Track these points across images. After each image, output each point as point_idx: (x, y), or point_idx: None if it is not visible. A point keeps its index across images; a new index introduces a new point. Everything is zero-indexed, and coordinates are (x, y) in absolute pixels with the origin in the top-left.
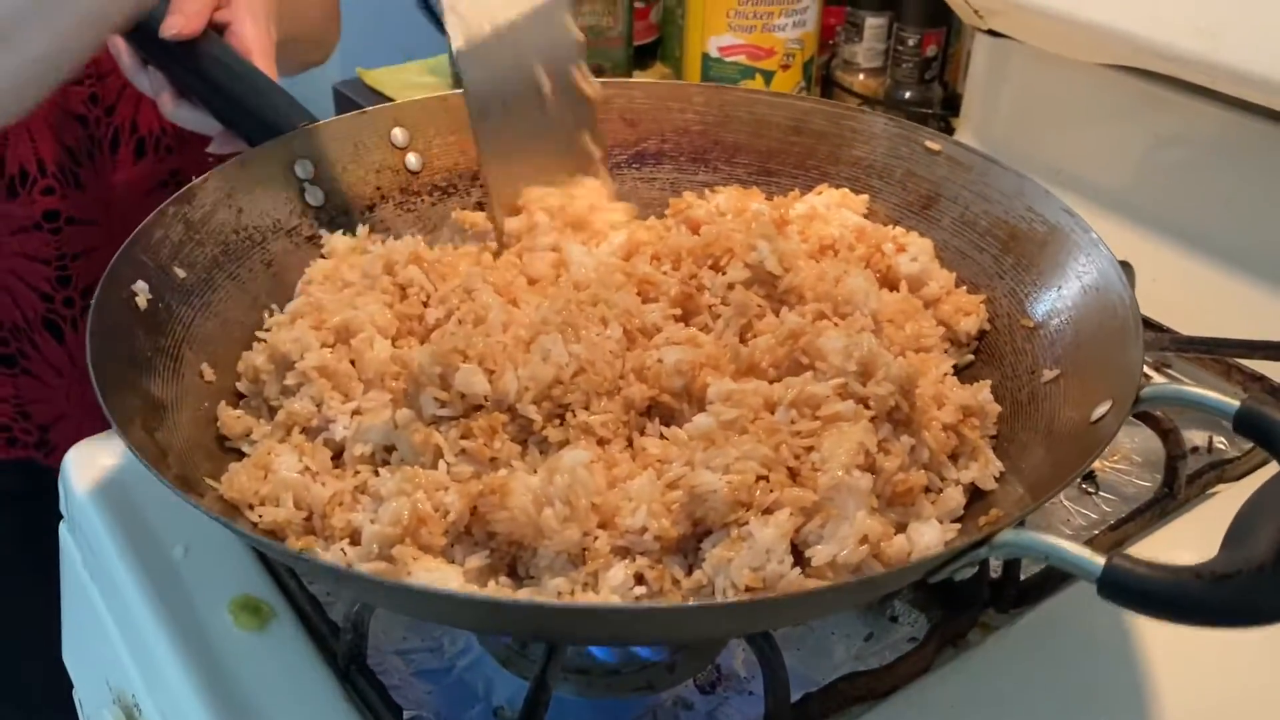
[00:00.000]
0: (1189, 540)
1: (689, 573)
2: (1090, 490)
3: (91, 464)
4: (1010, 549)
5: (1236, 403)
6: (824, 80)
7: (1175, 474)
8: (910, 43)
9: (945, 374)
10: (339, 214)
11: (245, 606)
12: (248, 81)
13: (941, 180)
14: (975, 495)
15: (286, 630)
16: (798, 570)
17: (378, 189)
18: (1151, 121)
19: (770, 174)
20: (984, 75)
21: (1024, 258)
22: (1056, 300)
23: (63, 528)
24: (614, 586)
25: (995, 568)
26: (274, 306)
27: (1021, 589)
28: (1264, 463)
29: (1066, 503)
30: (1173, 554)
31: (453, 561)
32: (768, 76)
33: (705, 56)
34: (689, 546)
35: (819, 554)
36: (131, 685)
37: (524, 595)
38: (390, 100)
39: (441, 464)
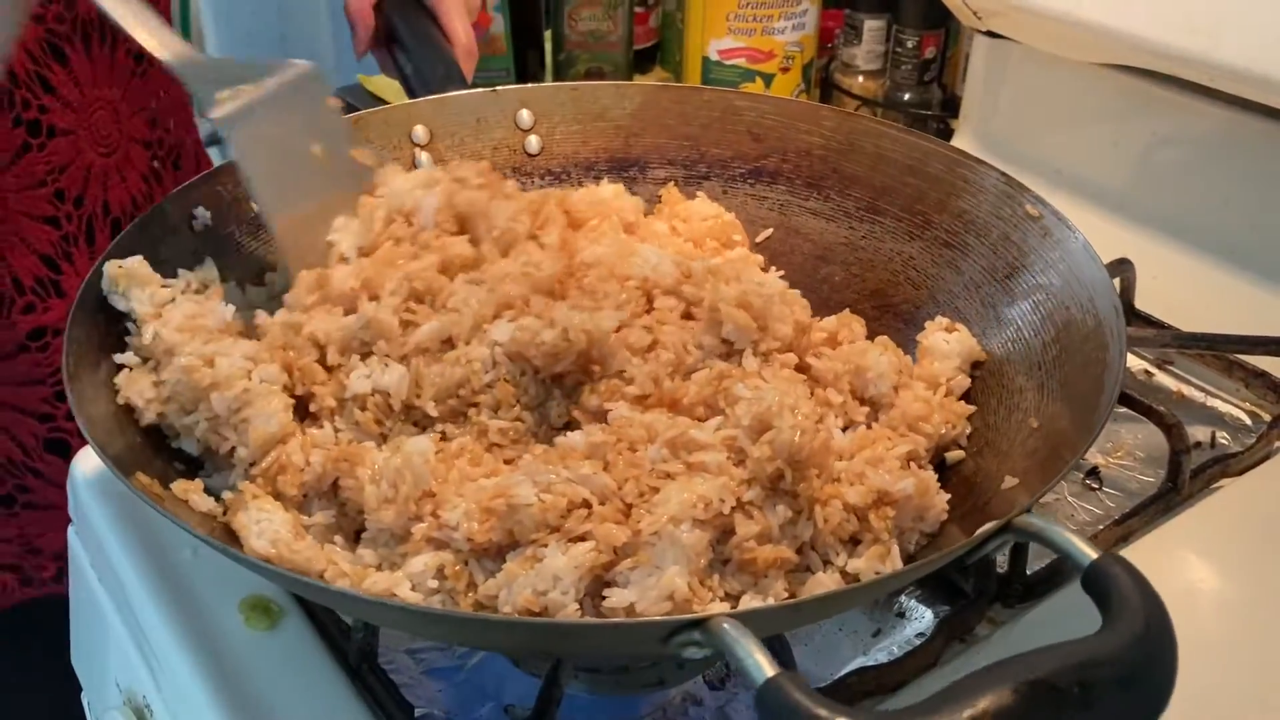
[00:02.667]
0: (1193, 536)
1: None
2: (1094, 486)
3: (99, 464)
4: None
5: (1092, 555)
6: (823, 83)
7: (1179, 469)
8: (909, 45)
9: (900, 455)
10: None
11: (255, 606)
12: (422, 36)
13: (1030, 251)
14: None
15: (297, 629)
16: (577, 607)
17: (492, 165)
18: (1150, 120)
19: (877, 212)
20: (983, 76)
21: (1064, 352)
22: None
23: (71, 530)
24: (411, 573)
25: (1002, 563)
26: None
27: (1028, 583)
28: (1266, 458)
29: (1070, 498)
30: (1177, 550)
31: (308, 514)
32: (767, 79)
33: (705, 60)
34: (504, 553)
35: (614, 596)
36: (142, 686)
37: (345, 559)
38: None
39: (329, 426)
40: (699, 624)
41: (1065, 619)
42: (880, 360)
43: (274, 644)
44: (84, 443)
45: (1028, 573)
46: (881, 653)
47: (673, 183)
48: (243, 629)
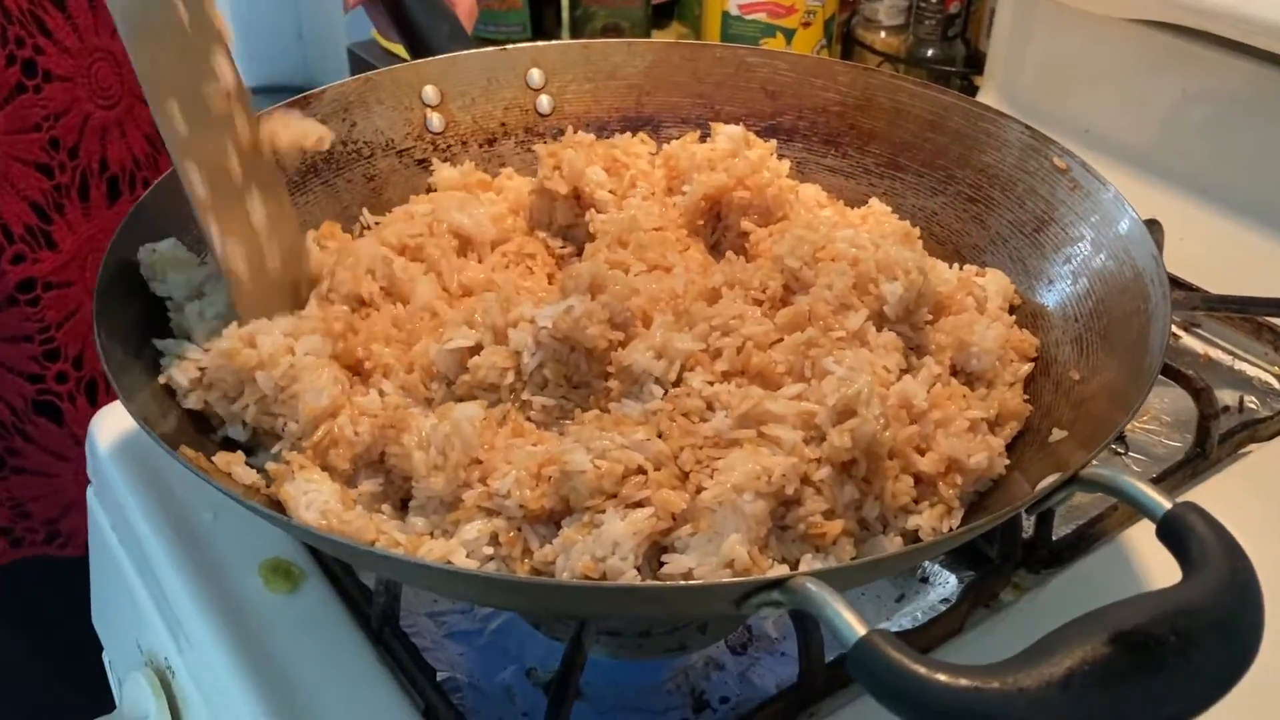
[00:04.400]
0: (1221, 502)
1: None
2: (1120, 451)
3: (118, 426)
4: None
5: (1166, 505)
6: (845, 38)
7: (1208, 433)
8: None
9: (972, 418)
10: (455, 143)
11: (276, 569)
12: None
13: (1059, 204)
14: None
15: (318, 592)
16: (636, 573)
17: (503, 125)
18: (1180, 77)
19: (898, 168)
20: (1008, 32)
21: (1101, 304)
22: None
23: (90, 492)
24: (465, 540)
25: (1027, 527)
26: (365, 211)
27: (1054, 549)
28: None
29: (1094, 464)
30: None
31: (354, 485)
32: (788, 35)
33: (725, 14)
34: (558, 519)
35: (673, 562)
36: (164, 649)
37: (394, 527)
38: (403, 60)
39: (374, 392)
40: (779, 584)
41: (1093, 584)
42: (986, 334)
43: (295, 607)
44: (75, 407)
45: (1053, 538)
46: (905, 618)
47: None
48: (263, 592)
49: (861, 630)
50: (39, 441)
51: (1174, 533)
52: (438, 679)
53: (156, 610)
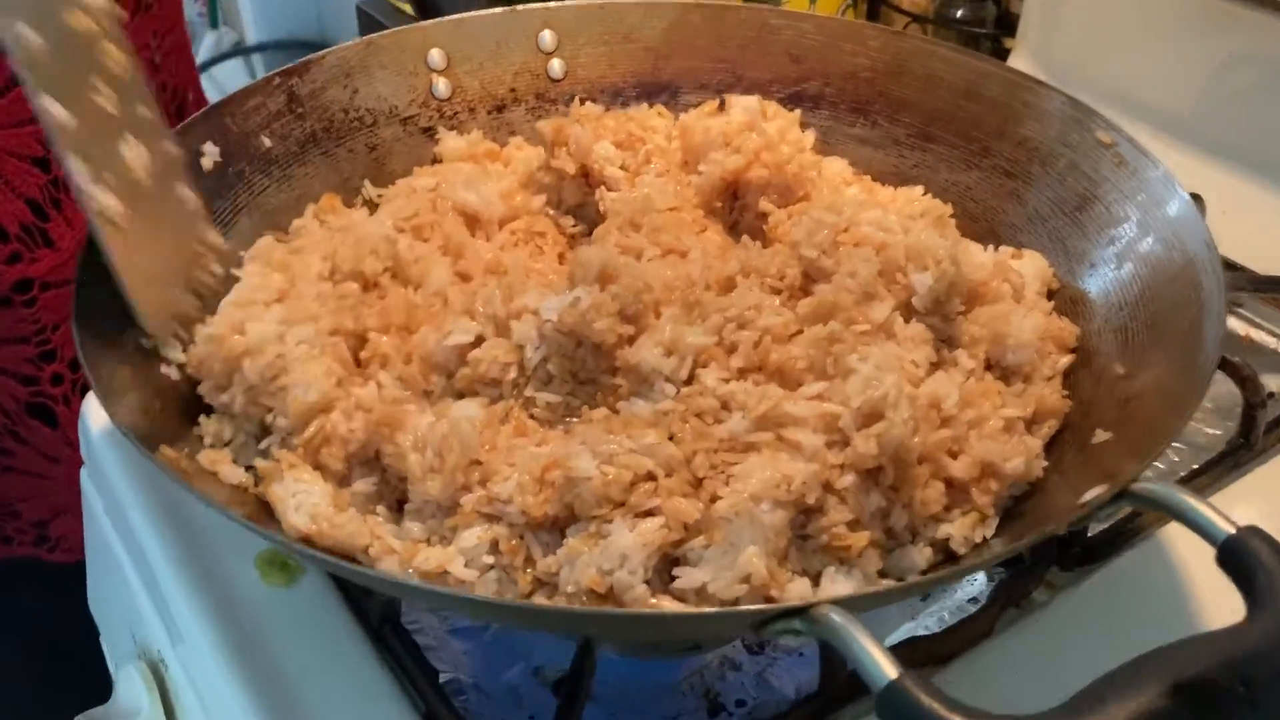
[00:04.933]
0: (1266, 494)
1: (552, 555)
2: None
3: None
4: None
5: (1229, 529)
6: None
7: (1253, 422)
8: None
9: (1007, 417)
10: (463, 110)
11: (273, 562)
12: None
13: (1103, 181)
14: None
15: (316, 586)
16: (645, 588)
17: (512, 90)
18: (1224, 40)
19: (930, 139)
20: None
21: (1148, 291)
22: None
23: (84, 475)
24: (463, 548)
25: None
26: (366, 183)
27: (1088, 546)
28: None
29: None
30: (1249, 509)
31: (348, 485)
32: None
33: None
34: (563, 526)
35: (687, 576)
36: (157, 641)
37: (389, 532)
38: (413, 19)
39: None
40: (800, 612)
41: (1131, 584)
42: (1024, 326)
43: (292, 602)
44: (70, 409)
45: (1088, 534)
46: (931, 618)
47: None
48: (259, 585)
49: (893, 673)
50: (32, 443)
51: (1236, 561)
52: (440, 680)
53: (150, 600)
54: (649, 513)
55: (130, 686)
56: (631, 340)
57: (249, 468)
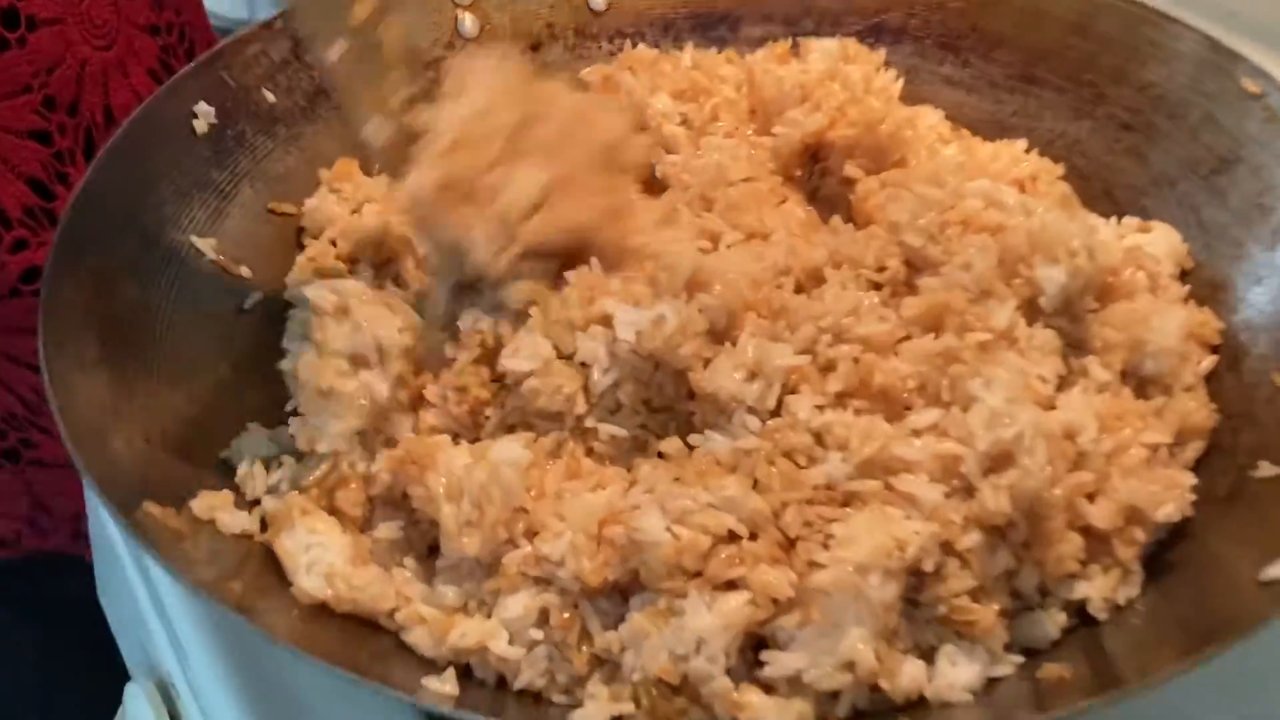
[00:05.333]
0: None
1: (613, 628)
2: None
3: None
4: None
5: None
6: None
7: None
8: None
9: (1147, 447)
10: None
11: None
12: None
13: (1248, 140)
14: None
15: None
16: (727, 678)
17: (549, 26)
18: None
19: (1033, 81)
20: None
21: None
22: None
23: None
24: (506, 619)
25: None
26: None
27: None
28: None
29: None
30: None
31: (370, 530)
32: None
33: None
34: (625, 591)
35: (778, 662)
36: (163, 658)
37: (419, 593)
38: None
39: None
40: None
41: None
42: (1166, 327)
43: None
44: None
45: None
46: None
47: (772, 43)
48: None
49: None
50: (55, 434)
51: None
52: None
53: (156, 616)
54: (731, 584)
55: (138, 705)
56: (707, 360)
57: (255, 502)
